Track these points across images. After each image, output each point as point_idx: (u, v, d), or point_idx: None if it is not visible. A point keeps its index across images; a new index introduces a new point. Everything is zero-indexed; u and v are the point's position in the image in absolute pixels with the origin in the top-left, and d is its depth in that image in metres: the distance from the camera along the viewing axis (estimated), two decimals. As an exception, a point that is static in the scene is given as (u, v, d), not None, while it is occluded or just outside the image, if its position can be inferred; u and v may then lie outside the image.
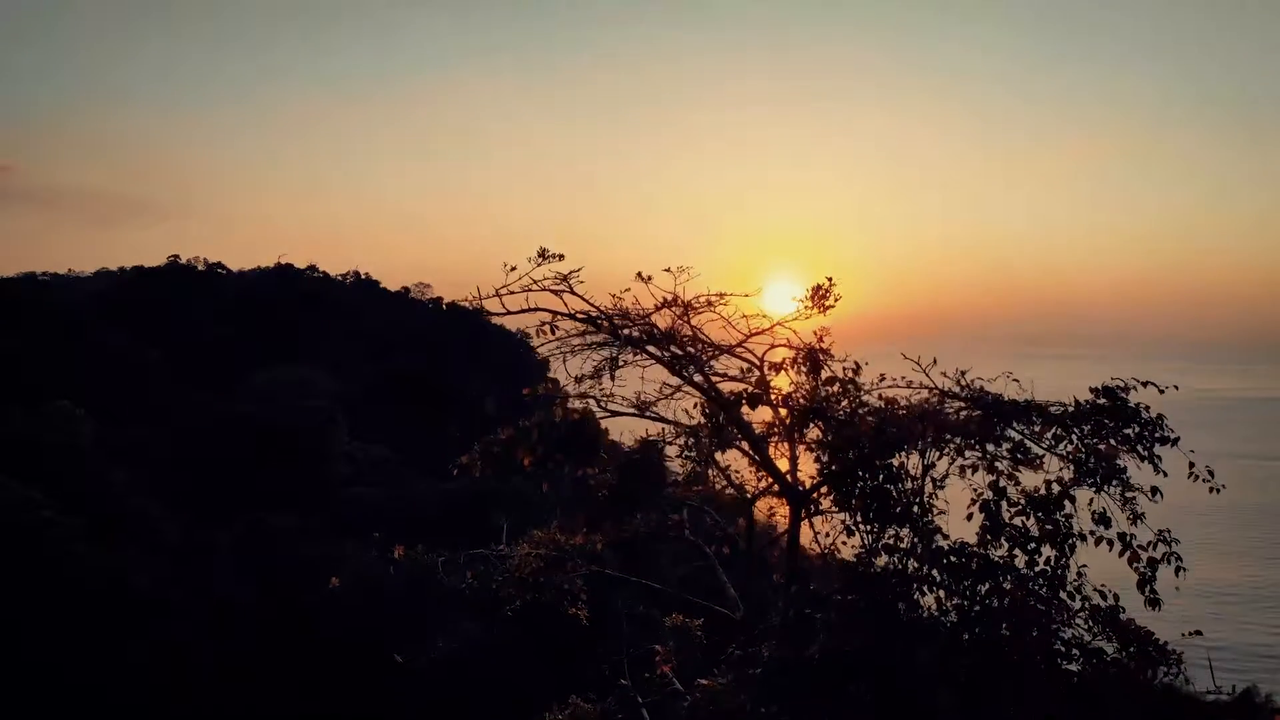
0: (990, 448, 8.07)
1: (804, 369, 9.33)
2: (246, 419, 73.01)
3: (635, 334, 8.92)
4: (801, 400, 8.66)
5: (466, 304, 8.82)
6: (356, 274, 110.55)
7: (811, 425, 8.48)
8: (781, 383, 9.10)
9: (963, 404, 8.14)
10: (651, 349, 8.93)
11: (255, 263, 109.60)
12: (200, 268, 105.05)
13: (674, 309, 9.08)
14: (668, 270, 9.05)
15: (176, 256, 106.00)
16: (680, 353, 8.99)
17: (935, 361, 8.30)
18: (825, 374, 8.99)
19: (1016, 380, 8.14)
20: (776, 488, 8.96)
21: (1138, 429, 7.90)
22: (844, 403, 8.47)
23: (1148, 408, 7.96)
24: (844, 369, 8.89)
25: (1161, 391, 8.07)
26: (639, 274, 9.00)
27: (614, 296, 8.91)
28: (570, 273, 8.65)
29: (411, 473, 72.36)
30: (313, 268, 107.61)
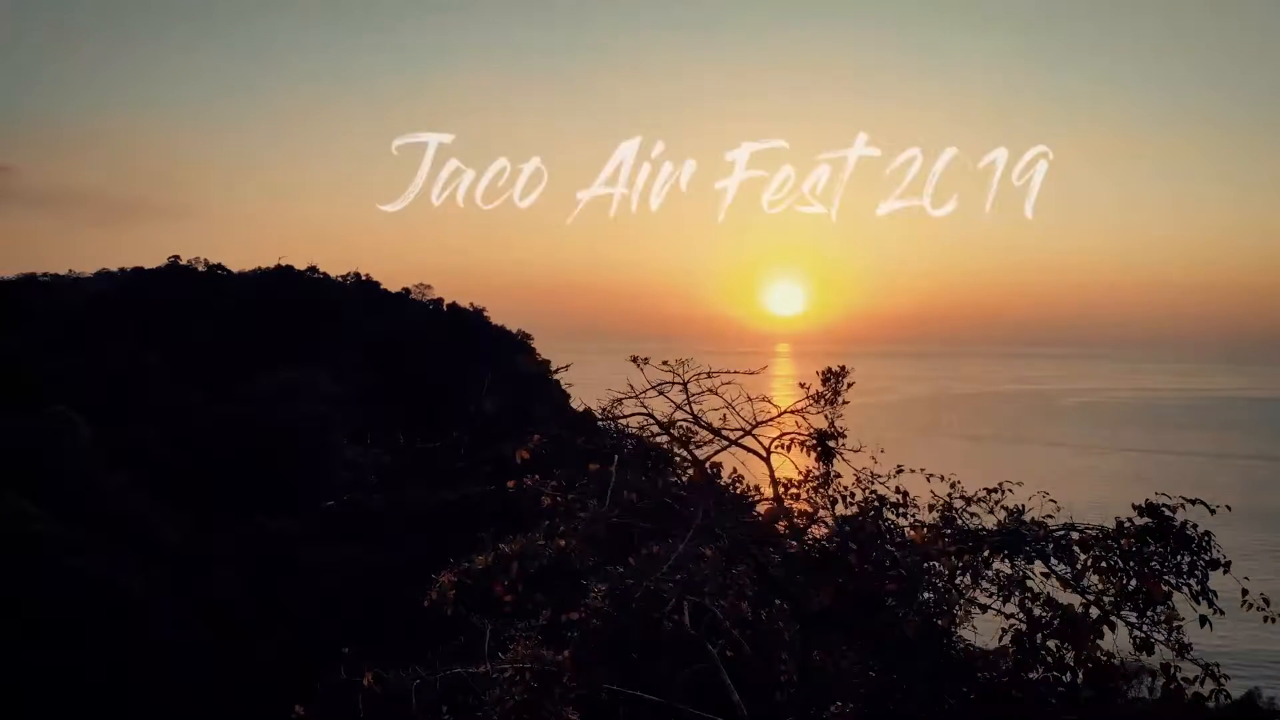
0: (1020, 561, 7.39)
1: (814, 453, 8.67)
2: (246, 421, 72.44)
3: (629, 440, 8.24)
4: (815, 547, 7.94)
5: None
6: (356, 274, 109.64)
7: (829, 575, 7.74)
8: (794, 505, 8.38)
9: (990, 535, 7.45)
10: (649, 464, 8.25)
11: (255, 263, 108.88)
12: (200, 268, 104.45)
13: (673, 391, 8.39)
14: (665, 363, 8.37)
15: (176, 257, 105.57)
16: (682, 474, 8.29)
17: (959, 482, 7.63)
18: (836, 467, 8.31)
19: (1055, 500, 7.44)
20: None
21: (1189, 557, 7.17)
22: (859, 548, 7.73)
23: (1195, 525, 7.24)
24: (860, 480, 8.18)
25: (1212, 512, 7.32)
26: (633, 357, 8.32)
27: (604, 410, 8.22)
28: (556, 370, 7.99)
29: (410, 476, 71.73)
30: (313, 268, 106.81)
